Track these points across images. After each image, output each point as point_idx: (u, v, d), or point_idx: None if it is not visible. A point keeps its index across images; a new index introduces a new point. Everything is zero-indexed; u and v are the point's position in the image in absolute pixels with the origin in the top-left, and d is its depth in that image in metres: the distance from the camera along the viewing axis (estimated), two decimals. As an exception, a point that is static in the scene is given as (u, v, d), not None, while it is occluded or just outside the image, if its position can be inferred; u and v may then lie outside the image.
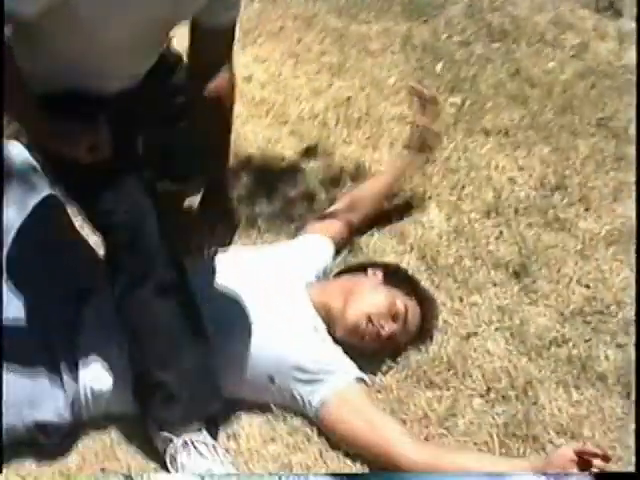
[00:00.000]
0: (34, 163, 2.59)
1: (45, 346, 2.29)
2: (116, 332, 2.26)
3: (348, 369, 2.32)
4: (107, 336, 2.30)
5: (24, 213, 2.48)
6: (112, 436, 2.31)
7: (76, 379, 2.27)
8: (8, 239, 2.43)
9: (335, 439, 2.25)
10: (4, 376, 2.20)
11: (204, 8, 2.09)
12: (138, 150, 2.32)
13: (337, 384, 2.27)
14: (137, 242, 2.13)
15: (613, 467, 2.09)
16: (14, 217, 2.45)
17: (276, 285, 2.45)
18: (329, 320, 2.42)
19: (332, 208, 2.87)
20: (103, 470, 2.24)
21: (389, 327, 2.38)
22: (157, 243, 2.15)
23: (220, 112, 2.29)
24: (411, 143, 2.90)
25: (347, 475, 2.15)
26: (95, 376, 2.28)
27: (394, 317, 2.39)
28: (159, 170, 2.40)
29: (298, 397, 2.30)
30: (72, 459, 2.26)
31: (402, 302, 2.40)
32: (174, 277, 2.19)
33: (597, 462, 1.99)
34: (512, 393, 2.36)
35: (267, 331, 2.32)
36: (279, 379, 2.30)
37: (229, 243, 2.41)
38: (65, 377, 2.26)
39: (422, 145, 2.88)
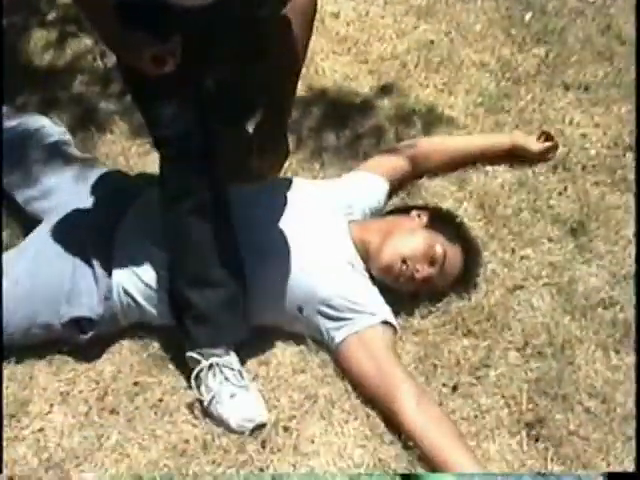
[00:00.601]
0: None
1: (82, 244, 2.37)
2: (151, 242, 2.33)
3: (376, 310, 2.31)
4: (141, 243, 2.36)
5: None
6: (149, 351, 2.37)
7: (109, 276, 2.34)
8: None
9: (347, 379, 2.26)
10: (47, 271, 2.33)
11: None
12: (204, 73, 2.29)
13: (361, 325, 2.27)
14: (183, 159, 2.15)
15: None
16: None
17: (318, 219, 2.44)
18: (367, 258, 2.41)
19: (402, 149, 2.82)
20: (136, 384, 2.30)
21: (424, 270, 2.35)
22: (202, 163, 2.16)
23: (296, 30, 2.26)
24: (529, 155, 2.85)
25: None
26: (127, 276, 2.34)
27: (431, 261, 2.35)
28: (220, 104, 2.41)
29: (323, 330, 2.31)
30: (107, 369, 2.34)
31: (442, 247, 2.36)
32: (214, 199, 2.20)
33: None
34: (549, 350, 2.32)
35: (301, 262, 2.32)
36: (307, 310, 2.31)
37: (278, 171, 2.43)
38: (98, 273, 2.33)
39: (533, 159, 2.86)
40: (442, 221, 2.46)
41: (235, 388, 2.19)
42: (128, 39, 2.04)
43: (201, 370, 2.22)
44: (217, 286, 2.24)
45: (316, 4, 2.31)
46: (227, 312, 2.26)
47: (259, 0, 2.29)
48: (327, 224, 2.44)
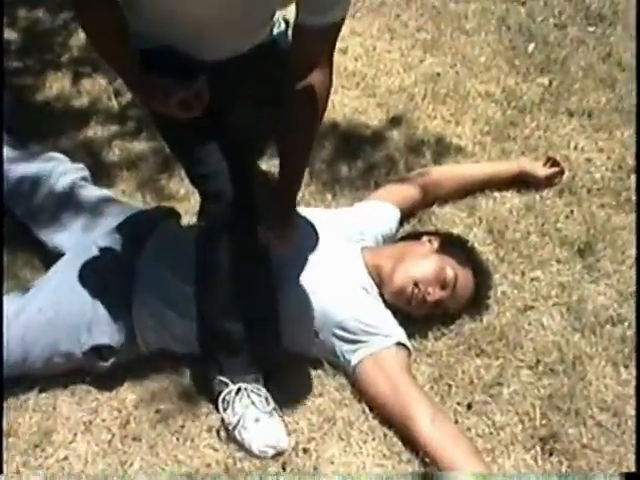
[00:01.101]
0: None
1: (102, 274, 2.42)
2: (166, 268, 2.39)
3: (390, 332, 2.35)
4: (160, 273, 2.41)
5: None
6: (170, 379, 2.40)
7: (130, 305, 2.38)
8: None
9: (364, 400, 2.30)
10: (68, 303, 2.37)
11: (305, 3, 1.98)
12: (232, 117, 2.28)
13: (376, 346, 2.31)
14: (219, 196, 2.14)
15: None
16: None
17: (332, 245, 2.49)
18: (380, 282, 2.46)
19: (413, 177, 2.89)
20: (158, 411, 2.33)
21: (436, 293, 2.40)
22: (239, 200, 2.14)
23: (306, 114, 2.16)
24: (536, 180, 2.93)
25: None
26: (148, 305, 2.38)
27: (442, 284, 2.40)
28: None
29: (339, 353, 2.35)
30: (129, 398, 2.37)
31: (452, 270, 2.41)
32: (251, 234, 2.19)
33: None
34: (560, 367, 2.36)
35: (315, 287, 2.37)
36: (323, 334, 2.35)
37: (288, 243, 2.28)
38: (119, 302, 2.38)
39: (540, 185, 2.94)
40: (453, 245, 2.52)
41: (260, 413, 2.22)
42: (153, 85, 2.04)
43: (228, 393, 2.25)
44: (255, 317, 2.27)
45: (331, 83, 2.18)
46: (261, 343, 2.30)
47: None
48: (340, 250, 2.49)
